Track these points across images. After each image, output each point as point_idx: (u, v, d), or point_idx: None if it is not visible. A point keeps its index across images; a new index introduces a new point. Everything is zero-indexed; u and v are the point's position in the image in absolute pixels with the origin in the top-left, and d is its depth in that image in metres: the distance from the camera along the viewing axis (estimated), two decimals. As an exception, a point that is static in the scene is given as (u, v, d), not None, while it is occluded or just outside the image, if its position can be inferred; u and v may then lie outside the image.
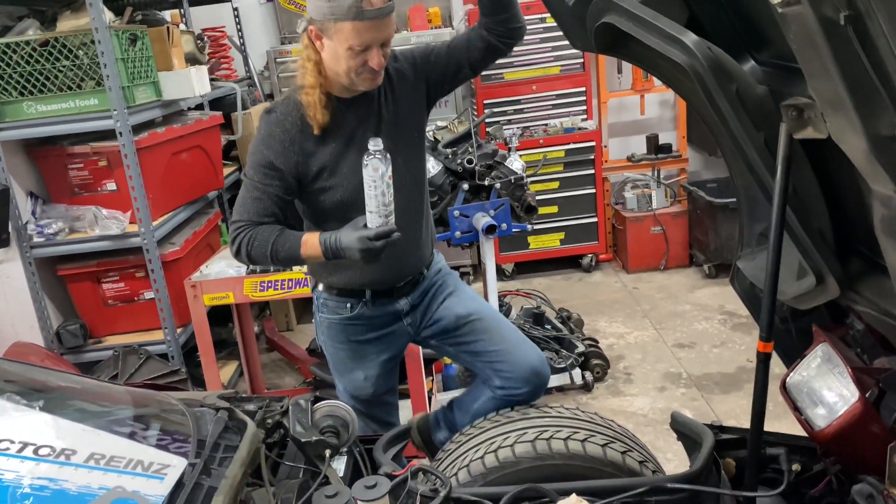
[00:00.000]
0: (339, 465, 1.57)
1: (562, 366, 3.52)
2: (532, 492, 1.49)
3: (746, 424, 1.60)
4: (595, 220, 5.18)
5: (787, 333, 1.77)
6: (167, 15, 4.36)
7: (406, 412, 2.84)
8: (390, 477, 1.45)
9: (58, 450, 1.21)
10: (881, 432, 1.41)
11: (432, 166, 3.37)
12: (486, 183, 3.40)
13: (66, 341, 3.30)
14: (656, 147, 5.12)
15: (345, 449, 1.60)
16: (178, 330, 3.38)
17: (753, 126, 1.33)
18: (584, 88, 5.06)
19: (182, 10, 4.41)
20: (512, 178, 3.41)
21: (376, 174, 1.76)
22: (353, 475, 1.55)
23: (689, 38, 1.28)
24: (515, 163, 3.50)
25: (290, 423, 1.56)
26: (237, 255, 1.97)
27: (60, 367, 2.73)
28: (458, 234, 3.32)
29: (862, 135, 1.05)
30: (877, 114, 1.02)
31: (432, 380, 3.58)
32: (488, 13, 2.00)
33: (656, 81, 4.91)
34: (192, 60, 3.89)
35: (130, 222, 3.21)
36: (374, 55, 1.85)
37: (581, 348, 3.64)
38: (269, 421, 1.61)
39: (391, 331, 2.19)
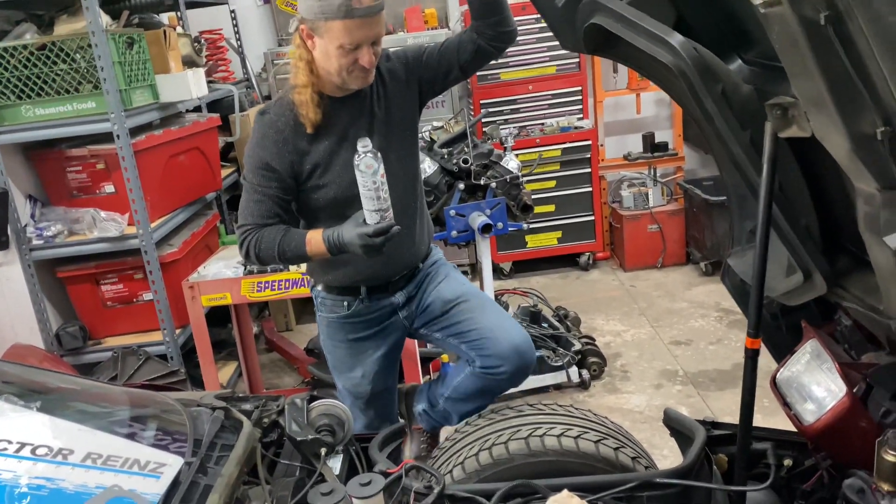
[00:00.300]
0: (336, 464, 1.58)
1: (559, 364, 3.54)
2: (524, 488, 1.50)
3: (740, 420, 1.62)
4: (592, 218, 5.20)
5: (777, 329, 1.79)
6: (164, 18, 4.37)
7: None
8: (385, 474, 1.47)
9: (55, 449, 1.22)
10: (869, 427, 1.42)
11: (428, 166, 3.39)
12: (482, 182, 3.42)
13: (66, 343, 3.31)
14: (652, 145, 5.14)
15: (341, 447, 1.62)
16: (177, 331, 3.40)
17: (739, 125, 1.35)
18: (580, 88, 5.08)
19: (179, 13, 4.42)
20: (507, 177, 3.42)
21: (368, 172, 1.78)
22: (349, 473, 1.57)
23: (675, 38, 1.29)
24: (511, 162, 3.52)
25: (287, 422, 1.57)
26: (247, 257, 2.02)
27: (58, 369, 2.75)
28: (454, 233, 3.35)
29: (844, 133, 1.07)
30: (858, 112, 1.04)
31: (429, 378, 3.59)
32: (478, 16, 2.01)
33: (652, 80, 4.92)
34: (189, 63, 3.90)
35: (129, 224, 3.23)
36: (365, 53, 1.87)
37: (578, 346, 3.66)
38: (266, 420, 1.63)
39: (387, 325, 2.21)
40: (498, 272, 5.17)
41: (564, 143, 5.01)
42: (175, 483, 1.26)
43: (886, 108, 1.00)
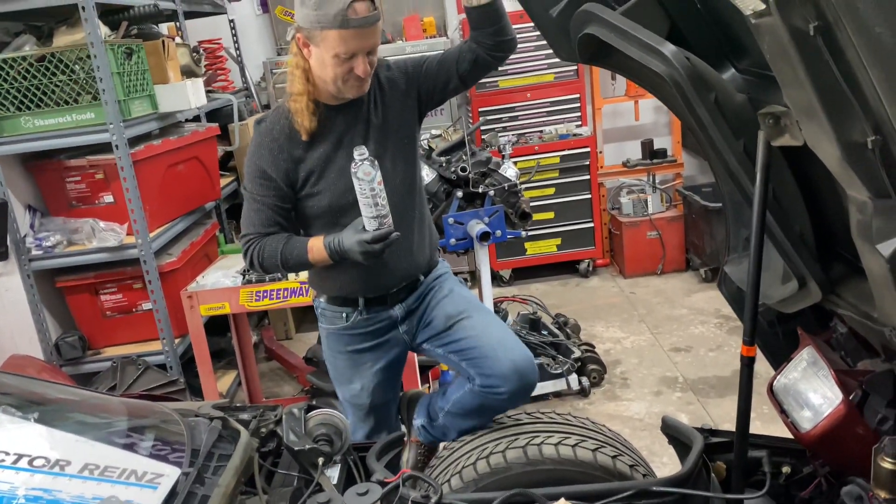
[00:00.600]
0: (333, 473, 1.58)
1: (558, 371, 3.54)
2: (521, 497, 1.50)
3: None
4: (591, 225, 5.21)
5: (774, 337, 1.80)
6: (163, 28, 4.39)
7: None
8: (382, 484, 1.47)
9: (52, 461, 1.22)
10: (865, 434, 1.42)
11: (426, 174, 3.39)
12: (481, 190, 3.42)
13: (65, 353, 3.31)
14: (651, 152, 5.15)
15: (338, 457, 1.61)
16: (177, 340, 3.40)
17: (733, 134, 1.35)
18: (578, 95, 5.10)
19: (178, 24, 4.44)
20: (506, 185, 3.43)
21: (366, 179, 1.80)
22: (346, 483, 1.57)
23: (668, 48, 1.30)
24: (509, 170, 3.52)
25: (284, 432, 1.57)
26: (251, 266, 2.05)
27: (57, 379, 2.75)
28: (452, 241, 3.35)
29: (835, 142, 1.07)
30: (848, 121, 1.05)
31: (428, 387, 3.59)
32: (476, 26, 2.01)
33: (650, 87, 4.93)
34: (188, 73, 3.92)
35: (128, 234, 3.23)
36: (360, 63, 1.88)
37: (577, 354, 3.65)
38: (263, 430, 1.62)
39: (387, 339, 2.19)
40: (498, 279, 5.17)
41: (563, 150, 5.03)
42: (172, 493, 1.25)
43: (876, 117, 1.00)
